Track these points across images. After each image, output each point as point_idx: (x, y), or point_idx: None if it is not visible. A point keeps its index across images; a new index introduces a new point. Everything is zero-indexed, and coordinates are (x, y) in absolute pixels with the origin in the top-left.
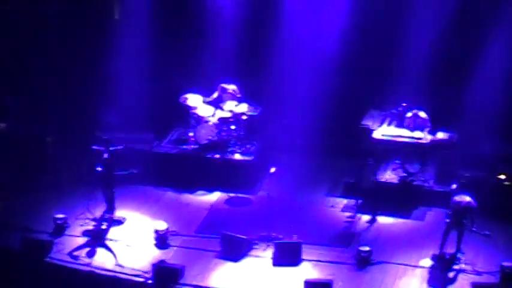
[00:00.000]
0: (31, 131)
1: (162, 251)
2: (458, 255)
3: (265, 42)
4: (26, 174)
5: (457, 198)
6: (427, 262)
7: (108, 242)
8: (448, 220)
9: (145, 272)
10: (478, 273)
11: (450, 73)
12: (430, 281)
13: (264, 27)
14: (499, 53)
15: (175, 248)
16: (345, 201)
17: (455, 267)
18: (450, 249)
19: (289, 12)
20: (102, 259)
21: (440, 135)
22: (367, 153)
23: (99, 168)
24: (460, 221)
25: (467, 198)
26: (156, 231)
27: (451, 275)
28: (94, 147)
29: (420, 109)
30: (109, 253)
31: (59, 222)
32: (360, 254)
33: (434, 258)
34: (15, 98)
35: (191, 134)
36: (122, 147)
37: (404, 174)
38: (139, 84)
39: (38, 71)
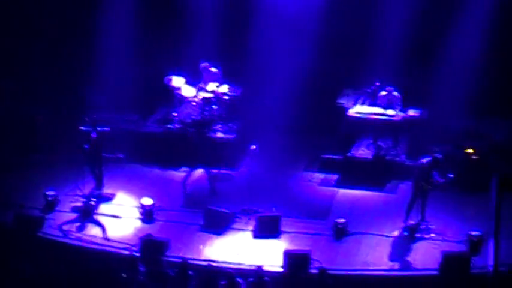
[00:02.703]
0: (23, 112)
1: (148, 225)
2: (429, 225)
3: (244, 26)
4: (18, 152)
5: (423, 160)
6: (399, 232)
7: (97, 217)
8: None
9: (133, 245)
10: (448, 242)
11: (420, 54)
12: (403, 250)
13: (243, 11)
14: (466, 36)
15: (161, 222)
16: (321, 176)
17: (426, 236)
18: (420, 220)
19: None
20: (91, 233)
21: (412, 112)
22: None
23: (86, 147)
24: (426, 180)
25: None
26: (143, 207)
27: (422, 244)
28: (82, 127)
29: (392, 88)
30: (98, 228)
31: (49, 198)
32: (337, 225)
33: (406, 228)
34: (7, 81)
35: (175, 113)
36: (108, 129)
37: (378, 149)
38: (125, 66)
39: (28, 55)
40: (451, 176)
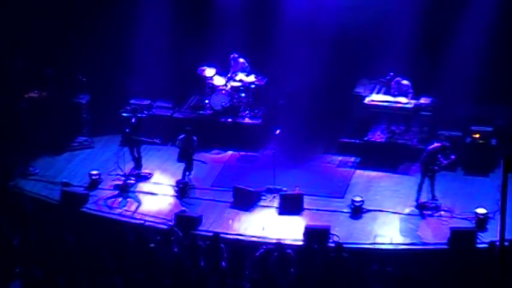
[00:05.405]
0: (68, 98)
1: (182, 201)
2: (437, 203)
3: (269, 21)
4: (64, 135)
5: (431, 145)
6: (411, 210)
7: (136, 194)
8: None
9: (168, 220)
10: (456, 219)
11: (431, 45)
12: (414, 226)
13: (268, 8)
14: (473, 27)
15: (194, 199)
16: (340, 158)
17: (436, 214)
18: (430, 199)
19: None
20: (131, 209)
21: (423, 100)
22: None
23: (126, 131)
24: (433, 163)
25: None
26: (178, 185)
27: (432, 220)
28: (123, 113)
29: (405, 78)
30: (137, 204)
31: (93, 177)
32: (354, 203)
33: (417, 206)
34: (54, 70)
35: (207, 101)
36: (146, 114)
37: (391, 134)
38: (162, 58)
39: (73, 46)
40: (453, 157)
